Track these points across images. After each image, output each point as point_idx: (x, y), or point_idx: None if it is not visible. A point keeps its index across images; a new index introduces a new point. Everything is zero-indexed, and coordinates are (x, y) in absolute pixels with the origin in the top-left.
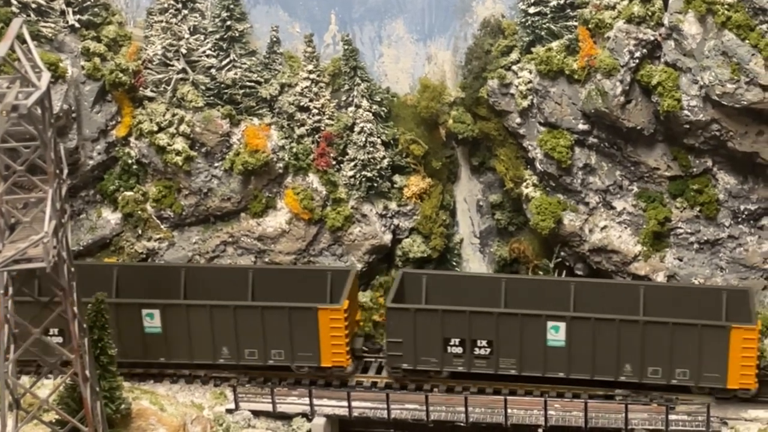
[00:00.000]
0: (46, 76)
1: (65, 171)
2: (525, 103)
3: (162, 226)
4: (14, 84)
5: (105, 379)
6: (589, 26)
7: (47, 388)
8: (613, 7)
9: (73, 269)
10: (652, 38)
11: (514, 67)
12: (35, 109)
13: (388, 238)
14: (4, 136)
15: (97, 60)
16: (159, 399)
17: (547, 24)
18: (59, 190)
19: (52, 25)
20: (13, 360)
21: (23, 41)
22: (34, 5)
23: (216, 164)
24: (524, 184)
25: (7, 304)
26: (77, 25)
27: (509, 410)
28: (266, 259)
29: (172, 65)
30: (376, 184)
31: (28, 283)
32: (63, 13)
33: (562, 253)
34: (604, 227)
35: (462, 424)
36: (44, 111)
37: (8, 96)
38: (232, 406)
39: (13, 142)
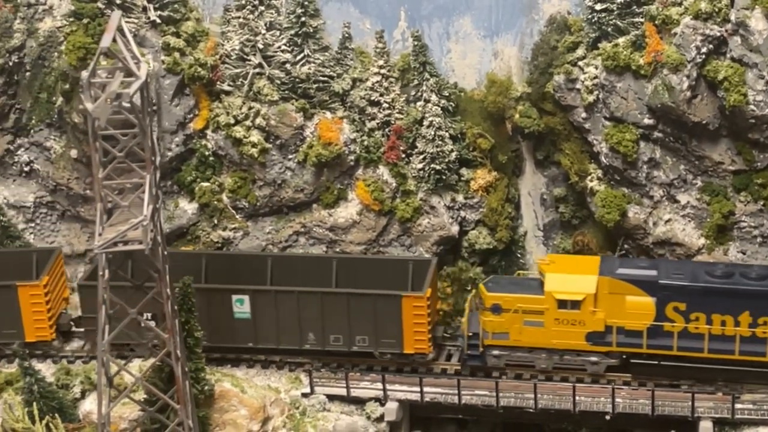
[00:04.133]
0: (145, 66)
1: (159, 158)
2: (591, 98)
3: (237, 216)
4: (114, 74)
5: (191, 361)
6: (656, 22)
7: (133, 368)
8: (680, 4)
9: (165, 252)
10: (718, 34)
11: (580, 63)
12: (135, 98)
13: (455, 229)
14: (101, 125)
15: (176, 55)
16: (240, 381)
17: (614, 20)
18: (155, 176)
19: (135, 21)
20: (109, 340)
21: (122, 33)
22: (118, 1)
23: (290, 156)
24: (589, 177)
25: (105, 285)
26: (158, 20)
27: (577, 397)
28: (337, 249)
29: (249, 60)
30: (444, 177)
31: (121, 267)
32: (145, 9)
33: (626, 246)
34: (668, 220)
35: (531, 410)
36: (143, 100)
37: (112, 84)
38: (307, 390)
39: (112, 130)
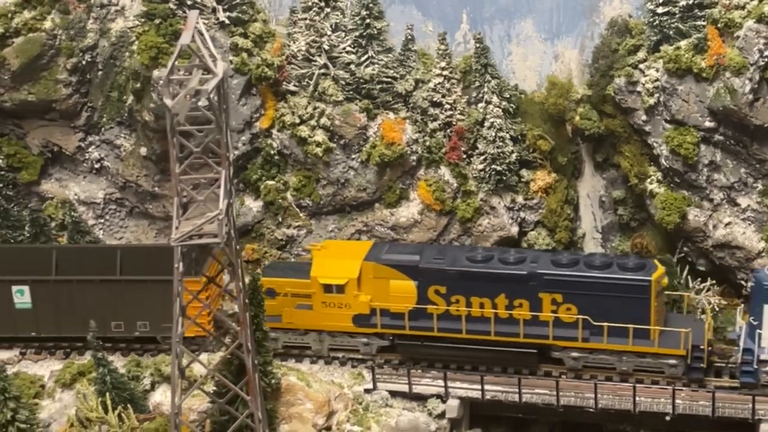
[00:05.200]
0: (221, 64)
1: (232, 154)
2: (651, 101)
3: (301, 215)
4: (191, 72)
5: (259, 354)
6: (719, 25)
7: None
8: (743, 7)
9: (238, 247)
10: None
11: (641, 66)
12: (213, 94)
13: (515, 230)
14: (180, 120)
15: (244, 55)
16: (305, 376)
17: (676, 23)
18: (229, 172)
19: (205, 22)
20: (182, 332)
21: (200, 32)
22: (189, 2)
23: (353, 156)
24: (648, 180)
25: (180, 278)
26: (227, 21)
27: (637, 398)
28: None
29: (315, 61)
30: (504, 178)
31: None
32: (214, 10)
33: (685, 249)
34: (728, 223)
35: (591, 410)
36: (219, 97)
37: (191, 81)
38: (369, 386)
39: (188, 126)
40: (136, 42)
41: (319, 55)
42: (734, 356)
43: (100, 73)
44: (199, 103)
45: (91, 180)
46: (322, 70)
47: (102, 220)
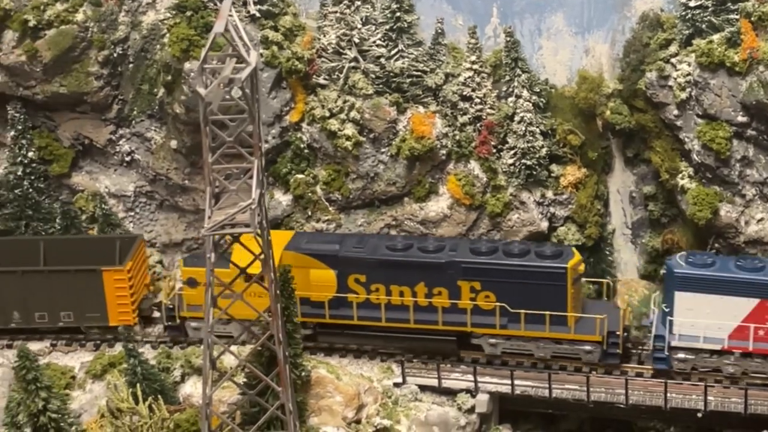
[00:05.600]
0: (254, 53)
1: (263, 145)
2: (683, 95)
3: (330, 208)
4: (224, 61)
5: (290, 346)
6: (752, 19)
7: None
8: None
9: (270, 237)
10: None
11: (673, 60)
12: (246, 83)
13: (544, 225)
14: (213, 109)
15: (274, 48)
16: (335, 369)
17: (708, 17)
18: (261, 162)
19: (236, 14)
20: (214, 322)
21: (233, 21)
22: None
23: (383, 150)
24: (680, 175)
25: (211, 268)
26: (257, 14)
27: (669, 394)
28: None
29: (345, 54)
30: (534, 173)
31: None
32: (245, 3)
33: (716, 245)
34: (761, 219)
35: (621, 406)
36: (252, 86)
37: (225, 70)
38: (398, 380)
39: (221, 115)
40: (167, 34)
41: (350, 49)
42: (647, 343)
43: (131, 65)
44: (232, 92)
45: (122, 173)
46: (352, 64)
47: (132, 213)
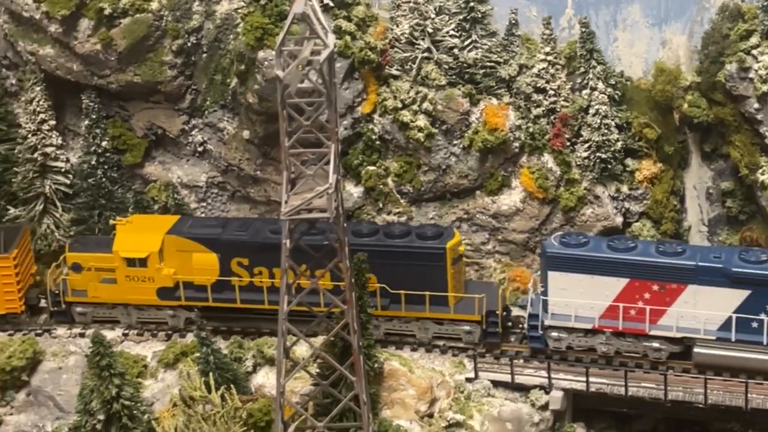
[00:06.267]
0: (332, 36)
1: (339, 130)
2: (765, 88)
3: (401, 201)
4: (303, 44)
5: (363, 337)
6: None
7: (303, 344)
8: None
9: (345, 224)
10: None
11: (754, 52)
12: (324, 66)
13: (619, 220)
14: (291, 92)
15: (347, 38)
16: (408, 362)
17: None
18: (338, 147)
19: (309, 4)
20: (288, 309)
21: (311, 3)
22: None
23: (455, 142)
24: (760, 170)
25: (288, 254)
26: (330, 4)
27: (750, 394)
28: (499, 237)
29: (418, 44)
30: (609, 166)
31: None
32: None
33: None
34: None
35: (700, 405)
36: (330, 69)
37: (304, 51)
38: (471, 375)
39: (297, 99)
40: (241, 23)
41: (423, 39)
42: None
43: (204, 55)
44: (309, 75)
45: (194, 163)
46: (425, 54)
47: (204, 204)
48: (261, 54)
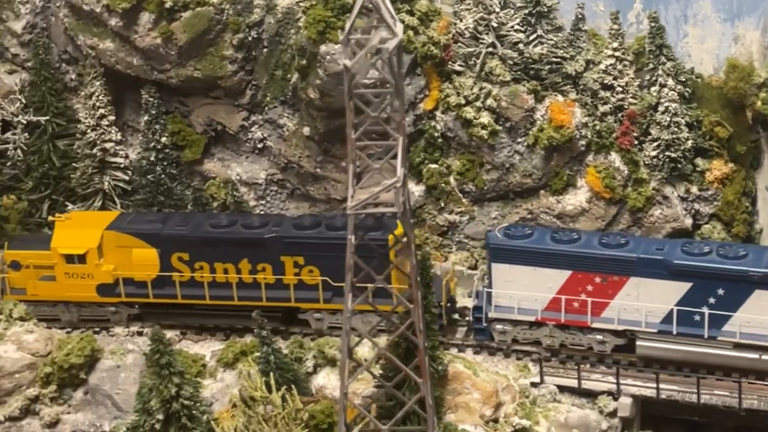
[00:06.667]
0: (400, 25)
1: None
2: None
3: (464, 200)
4: (370, 32)
5: (427, 338)
6: None
7: (364, 345)
8: None
9: (412, 220)
10: None
11: None
12: (392, 56)
13: (688, 222)
14: (358, 82)
15: (410, 33)
16: (472, 365)
17: None
18: (405, 139)
19: None
20: (353, 308)
21: None
22: None
23: (519, 140)
24: None
25: (353, 250)
26: None
27: None
28: None
29: (482, 39)
30: (679, 166)
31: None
32: None
33: None
34: None
35: None
36: (399, 59)
37: (372, 39)
38: (536, 379)
39: (362, 89)
40: (303, 17)
41: (487, 34)
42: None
43: (265, 50)
44: (377, 65)
45: (254, 160)
46: (489, 49)
47: (263, 202)
48: (323, 48)
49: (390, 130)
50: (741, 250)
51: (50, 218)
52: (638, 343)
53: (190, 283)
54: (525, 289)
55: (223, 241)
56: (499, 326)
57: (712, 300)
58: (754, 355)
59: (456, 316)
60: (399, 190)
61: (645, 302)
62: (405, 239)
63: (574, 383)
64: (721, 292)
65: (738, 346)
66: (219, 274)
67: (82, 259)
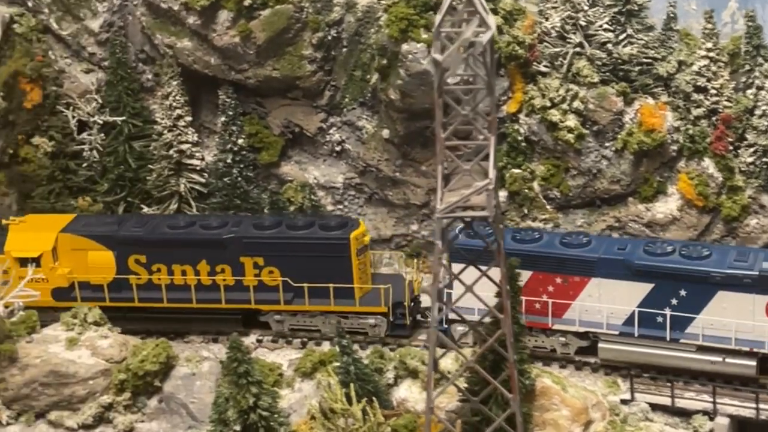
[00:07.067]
0: (493, 17)
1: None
2: None
3: (548, 207)
4: (462, 25)
5: (515, 350)
6: None
7: (448, 356)
8: None
9: (502, 225)
10: None
11: None
12: (486, 50)
13: None
14: (447, 78)
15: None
16: (561, 379)
17: None
18: (496, 139)
19: None
20: (440, 318)
21: None
22: None
23: (606, 144)
24: None
25: (441, 256)
26: None
27: None
28: None
29: (569, 39)
30: None
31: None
32: None
33: None
34: None
35: None
36: (491, 53)
37: (466, 32)
38: (626, 396)
39: (452, 86)
40: (384, 16)
41: (574, 33)
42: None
43: (344, 50)
44: (469, 60)
45: (331, 163)
46: (577, 49)
47: (341, 206)
48: (405, 47)
49: (481, 129)
50: (705, 250)
51: (3, 221)
52: (600, 345)
53: (148, 285)
54: (486, 290)
55: (181, 243)
56: (460, 328)
57: (674, 301)
58: (718, 358)
59: (419, 317)
60: (491, 193)
61: (607, 303)
62: (496, 246)
63: (666, 401)
64: (683, 293)
65: (701, 349)
66: (177, 276)
67: (36, 262)
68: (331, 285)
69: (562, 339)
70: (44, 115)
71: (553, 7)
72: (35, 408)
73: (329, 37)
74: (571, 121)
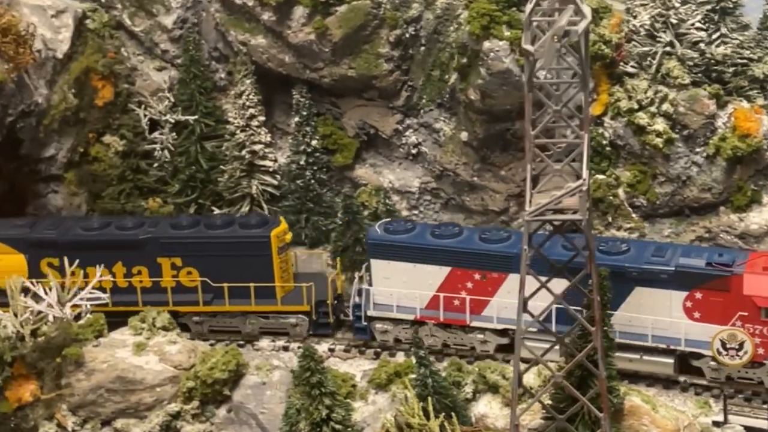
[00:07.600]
0: (588, 6)
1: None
2: None
3: (633, 215)
4: (554, 14)
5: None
6: None
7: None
8: None
9: (592, 230)
10: None
11: None
12: (581, 41)
13: None
14: (539, 70)
15: None
16: (651, 399)
17: None
18: (589, 137)
19: None
20: (525, 330)
21: None
22: None
23: (697, 149)
24: None
25: (528, 262)
26: None
27: None
28: None
29: (659, 38)
30: None
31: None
32: None
33: None
34: None
35: None
36: (586, 45)
37: (561, 20)
38: (718, 418)
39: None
40: (464, 13)
41: (664, 32)
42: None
43: (422, 48)
44: (563, 51)
45: (407, 167)
46: (667, 49)
47: (416, 212)
48: (486, 44)
49: (574, 127)
50: (624, 245)
51: None
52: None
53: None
54: (404, 287)
55: (96, 244)
56: (379, 325)
57: None
58: (635, 356)
59: (342, 315)
60: (584, 195)
61: None
62: (587, 252)
63: (763, 424)
64: None
65: (620, 347)
66: (92, 279)
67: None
68: (252, 284)
69: (480, 336)
70: (116, 113)
71: (642, 5)
72: (101, 415)
73: (407, 35)
74: (660, 124)
